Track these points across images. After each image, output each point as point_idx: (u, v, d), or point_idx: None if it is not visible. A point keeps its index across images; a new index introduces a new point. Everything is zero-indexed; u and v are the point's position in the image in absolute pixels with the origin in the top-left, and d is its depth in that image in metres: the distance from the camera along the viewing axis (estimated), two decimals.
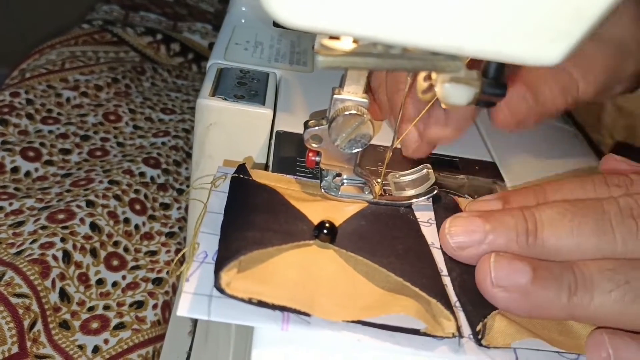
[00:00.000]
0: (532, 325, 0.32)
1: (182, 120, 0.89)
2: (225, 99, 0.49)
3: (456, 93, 0.29)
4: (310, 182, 0.40)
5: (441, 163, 0.46)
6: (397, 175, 0.41)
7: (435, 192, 0.39)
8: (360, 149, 0.37)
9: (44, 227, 0.64)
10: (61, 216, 0.66)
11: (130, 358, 0.57)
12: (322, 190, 0.39)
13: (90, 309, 0.60)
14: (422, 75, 0.31)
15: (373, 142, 0.42)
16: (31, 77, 0.89)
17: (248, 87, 0.51)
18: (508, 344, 0.31)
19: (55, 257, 0.61)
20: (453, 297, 0.33)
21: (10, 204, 0.69)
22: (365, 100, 0.36)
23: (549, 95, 0.41)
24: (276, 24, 0.40)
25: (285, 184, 0.39)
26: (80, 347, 0.56)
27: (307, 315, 0.29)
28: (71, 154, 0.79)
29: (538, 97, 0.41)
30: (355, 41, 0.28)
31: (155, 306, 0.61)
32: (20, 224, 0.65)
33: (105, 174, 0.74)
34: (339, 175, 0.39)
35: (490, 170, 0.47)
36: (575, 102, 0.42)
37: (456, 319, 0.31)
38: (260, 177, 0.39)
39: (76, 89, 0.89)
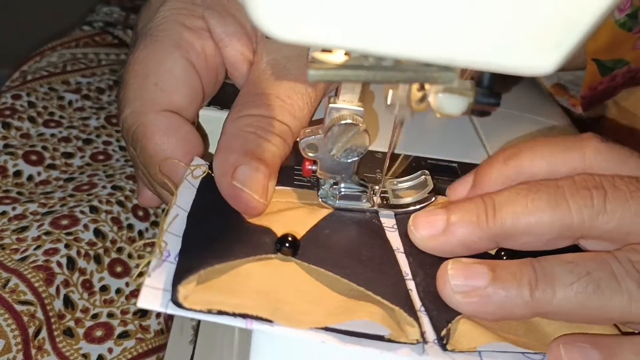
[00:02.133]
0: (498, 327, 0.32)
1: None
2: (221, 109, 0.49)
3: (450, 103, 0.28)
4: (281, 189, 0.40)
5: (439, 168, 0.46)
6: (394, 182, 0.41)
7: (434, 199, 0.39)
8: (356, 158, 0.37)
9: (48, 233, 0.65)
10: (65, 222, 0.66)
11: None
12: (320, 199, 0.39)
13: (94, 316, 0.60)
14: (416, 85, 0.30)
15: (371, 148, 0.42)
16: (33, 80, 0.89)
17: None
18: (473, 347, 0.31)
19: (59, 264, 0.61)
20: (418, 302, 0.33)
21: (14, 209, 0.69)
22: (361, 109, 0.36)
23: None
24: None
25: None
26: (85, 355, 0.56)
27: (270, 322, 0.29)
28: (74, 157, 0.79)
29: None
30: (347, 53, 0.28)
31: (158, 315, 0.62)
32: (24, 229, 0.65)
33: (108, 179, 0.74)
34: (336, 184, 0.39)
35: None
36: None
37: (420, 325, 0.31)
38: None
39: (78, 92, 0.89)
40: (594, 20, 0.24)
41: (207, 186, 0.38)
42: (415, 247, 0.36)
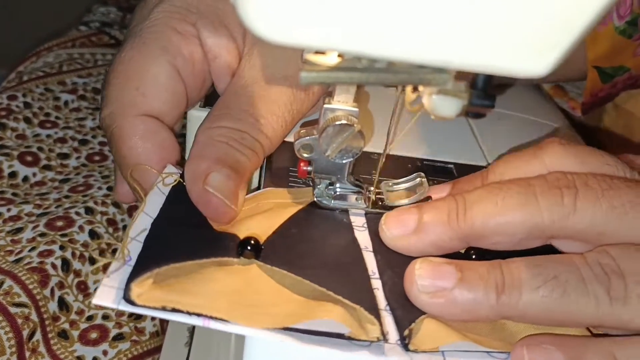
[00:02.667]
0: (463, 327, 0.32)
1: (182, 125, 0.88)
2: None
3: (444, 105, 0.28)
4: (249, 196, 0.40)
5: (436, 169, 0.45)
6: (390, 184, 0.40)
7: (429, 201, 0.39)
8: (351, 159, 0.36)
9: (42, 234, 0.64)
10: (60, 223, 0.66)
11: None
12: (315, 199, 0.39)
13: (89, 318, 0.59)
14: (409, 86, 0.30)
15: (366, 149, 0.42)
16: (29, 80, 0.88)
17: None
18: (436, 347, 0.30)
19: (54, 266, 0.61)
20: (383, 301, 0.33)
21: (9, 210, 0.68)
22: (356, 110, 0.36)
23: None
24: None
25: None
26: (79, 358, 0.55)
27: (226, 322, 0.29)
28: (69, 158, 0.79)
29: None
30: (340, 55, 0.28)
31: (154, 317, 0.61)
32: (19, 230, 0.65)
33: (103, 180, 0.74)
34: (331, 184, 0.39)
35: None
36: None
37: (381, 324, 0.30)
38: None
39: (74, 92, 0.88)
40: (589, 21, 0.24)
41: (177, 194, 0.38)
42: (384, 245, 0.36)
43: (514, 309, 0.30)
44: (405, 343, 0.30)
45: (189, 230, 0.35)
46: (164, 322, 0.62)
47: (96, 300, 0.30)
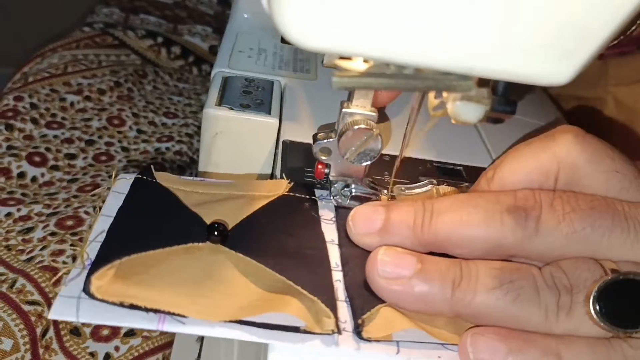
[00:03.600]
0: (418, 317, 0.32)
1: (185, 125, 0.89)
2: (232, 109, 0.49)
3: (467, 111, 0.29)
4: (220, 183, 0.41)
5: (445, 171, 0.46)
6: (402, 189, 0.41)
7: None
8: (369, 162, 0.38)
9: (53, 234, 0.65)
10: (70, 222, 0.67)
11: None
12: (332, 198, 0.40)
13: None
14: (432, 92, 0.31)
15: None
16: (34, 81, 0.89)
17: (253, 96, 0.52)
18: (389, 335, 0.31)
19: (65, 264, 0.62)
20: (343, 293, 0.34)
21: (19, 210, 0.69)
22: (374, 114, 0.37)
23: None
24: (284, 41, 0.40)
25: (190, 187, 0.39)
26: (92, 354, 0.56)
27: (183, 316, 0.30)
28: (76, 158, 0.79)
29: None
30: (366, 61, 0.29)
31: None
32: (30, 230, 0.66)
33: (111, 180, 0.75)
34: (347, 186, 0.40)
35: None
36: None
37: (337, 316, 0.31)
38: (165, 180, 0.39)
39: (79, 93, 0.89)
40: (611, 29, 0.25)
41: (137, 189, 0.38)
42: (350, 248, 0.37)
43: (467, 307, 0.31)
44: (358, 331, 0.31)
45: (152, 220, 0.35)
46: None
47: (53, 314, 0.29)
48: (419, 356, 0.31)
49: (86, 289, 0.29)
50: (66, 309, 0.29)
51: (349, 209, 0.39)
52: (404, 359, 0.31)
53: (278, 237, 0.36)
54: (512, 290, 0.31)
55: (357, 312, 0.32)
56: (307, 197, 0.40)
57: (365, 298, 0.33)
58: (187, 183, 0.40)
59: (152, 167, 0.40)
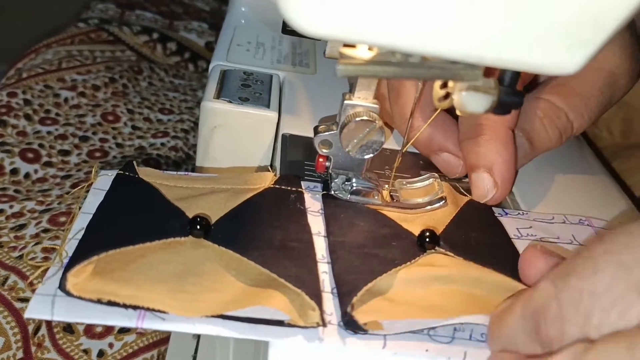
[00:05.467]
0: (405, 302, 0.31)
1: (181, 121, 0.89)
2: (230, 102, 0.49)
3: (473, 101, 0.29)
4: (205, 176, 0.40)
5: None
6: (404, 183, 0.41)
7: (442, 202, 0.39)
8: (371, 155, 0.37)
9: (46, 230, 0.64)
10: (63, 219, 0.66)
11: None
12: (332, 192, 0.39)
13: None
14: (438, 83, 0.31)
15: None
16: (28, 77, 0.88)
17: (252, 89, 0.51)
18: (377, 323, 0.30)
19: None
20: (329, 284, 0.33)
21: (11, 207, 0.68)
22: (376, 106, 0.36)
23: (546, 140, 0.42)
24: (286, 31, 0.39)
25: (173, 181, 0.39)
26: (85, 351, 0.56)
27: (163, 312, 0.29)
28: (70, 155, 0.79)
29: (534, 143, 0.42)
30: (371, 49, 0.28)
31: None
32: (22, 226, 0.65)
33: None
34: (348, 180, 0.39)
35: None
36: (569, 139, 0.43)
37: (321, 309, 0.30)
38: (148, 175, 0.39)
39: (74, 89, 0.88)
40: (621, 18, 0.24)
41: (119, 184, 0.37)
42: (337, 229, 0.36)
43: None
44: (347, 319, 0.30)
45: (132, 215, 0.35)
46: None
47: (28, 313, 0.28)
48: (405, 350, 0.30)
49: (62, 286, 0.29)
50: (42, 307, 0.28)
51: (337, 198, 0.38)
52: (391, 353, 0.29)
53: (262, 229, 0.35)
54: None
55: (345, 299, 0.31)
56: (294, 189, 0.39)
57: (352, 284, 0.32)
58: (170, 177, 0.39)
59: (134, 162, 0.39)
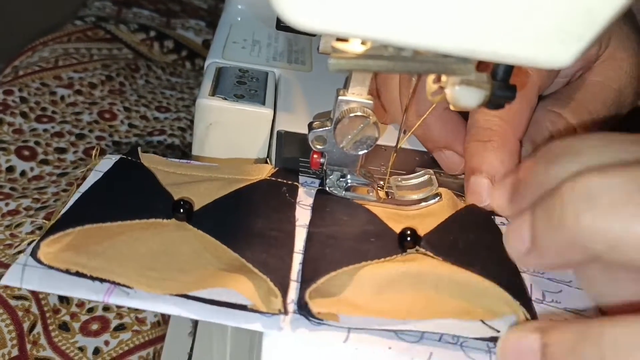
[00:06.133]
0: (366, 300, 0.31)
1: (178, 119, 0.88)
2: (226, 99, 0.48)
3: (466, 96, 0.28)
4: (204, 165, 0.40)
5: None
6: (399, 179, 0.41)
7: (437, 199, 0.39)
8: (365, 151, 0.37)
9: (41, 228, 0.64)
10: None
11: (131, 359, 0.56)
12: (327, 188, 0.39)
13: (90, 310, 0.59)
14: (431, 77, 0.31)
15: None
16: (24, 75, 0.88)
17: (247, 87, 0.51)
18: (335, 315, 0.30)
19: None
20: (297, 272, 0.32)
21: (7, 204, 0.68)
22: (371, 102, 0.36)
23: None
24: (280, 27, 0.39)
25: (172, 168, 0.39)
26: (81, 349, 0.55)
27: (128, 287, 0.29)
28: (67, 153, 0.78)
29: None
30: (364, 43, 0.28)
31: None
32: (18, 224, 0.65)
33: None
34: (343, 176, 0.39)
35: None
36: None
37: (284, 297, 0.30)
38: (149, 161, 0.39)
39: (70, 87, 0.88)
40: (613, 11, 0.24)
41: (118, 166, 0.38)
42: (318, 220, 0.36)
43: None
44: (301, 303, 0.29)
45: (120, 195, 0.35)
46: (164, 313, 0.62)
47: (4, 280, 0.28)
48: (368, 345, 0.29)
49: (33, 253, 0.29)
50: (13, 276, 0.29)
51: (329, 194, 0.38)
52: (352, 347, 0.29)
53: (246, 218, 0.35)
54: None
55: (305, 285, 0.31)
56: (288, 182, 0.39)
57: (316, 271, 0.31)
58: (170, 164, 0.39)
59: (138, 147, 0.39)
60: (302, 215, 0.37)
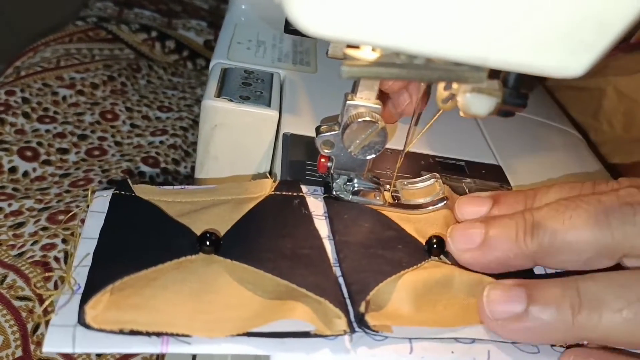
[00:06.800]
0: (426, 307, 0.32)
1: (180, 119, 0.88)
2: (231, 100, 0.49)
3: (478, 103, 0.29)
4: (202, 189, 0.39)
5: (448, 167, 0.46)
6: (405, 183, 0.41)
7: (445, 202, 0.39)
8: (373, 155, 0.37)
9: (44, 228, 0.64)
10: (62, 217, 0.65)
11: None
12: (333, 193, 0.39)
13: None
14: (442, 84, 0.31)
15: None
16: (26, 75, 0.88)
17: (253, 88, 0.51)
18: (388, 326, 0.30)
19: (57, 259, 0.61)
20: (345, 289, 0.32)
21: (10, 205, 0.68)
22: (379, 107, 0.36)
23: None
24: (289, 30, 0.39)
25: (171, 197, 0.38)
26: None
27: (187, 336, 0.28)
28: (69, 153, 0.78)
29: None
30: (374, 50, 0.28)
31: None
32: (21, 225, 0.65)
33: (104, 174, 0.74)
34: (350, 180, 0.39)
35: (496, 174, 0.47)
36: None
37: (348, 315, 0.30)
38: (144, 192, 0.38)
39: (72, 87, 0.88)
40: (626, 22, 0.24)
41: (117, 206, 0.36)
42: (342, 227, 0.36)
43: (592, 332, 0.29)
44: (360, 318, 0.30)
45: (138, 237, 0.34)
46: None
47: (47, 347, 0.27)
48: (432, 353, 0.30)
49: (81, 320, 0.28)
50: (61, 339, 0.28)
51: (338, 200, 0.38)
52: (418, 357, 0.30)
53: (272, 239, 0.35)
54: None
55: (357, 297, 0.31)
56: (295, 194, 0.39)
57: (363, 282, 0.32)
58: (168, 193, 0.38)
59: (128, 180, 0.38)
60: (320, 227, 0.37)
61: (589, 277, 0.30)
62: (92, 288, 0.30)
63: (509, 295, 0.31)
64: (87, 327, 0.28)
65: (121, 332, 0.28)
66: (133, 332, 0.28)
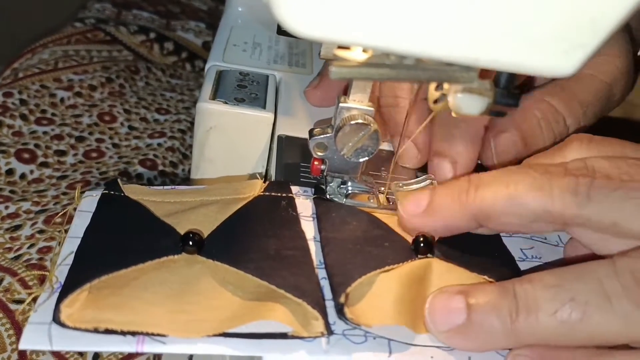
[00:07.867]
0: (402, 314, 0.31)
1: (178, 121, 0.88)
2: (226, 103, 0.48)
3: (469, 103, 0.28)
4: (192, 189, 0.39)
5: None
6: (400, 184, 0.41)
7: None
8: (366, 158, 0.37)
9: (41, 231, 0.64)
10: (59, 220, 0.65)
11: None
12: (328, 196, 0.39)
13: None
14: (433, 84, 0.30)
15: None
16: (24, 77, 0.88)
17: (248, 90, 0.51)
18: (369, 323, 0.30)
19: (53, 262, 0.61)
20: (329, 292, 0.32)
21: (6, 207, 0.68)
22: (372, 109, 0.36)
23: (540, 141, 0.42)
24: (281, 32, 0.39)
25: (160, 197, 0.38)
26: (81, 353, 0.55)
27: (163, 336, 0.28)
28: (66, 155, 0.78)
29: (528, 143, 0.42)
30: (365, 50, 0.28)
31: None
32: (17, 227, 0.65)
33: (101, 176, 0.73)
34: (344, 183, 0.39)
35: None
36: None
37: (325, 317, 0.30)
38: (134, 192, 0.38)
39: (70, 89, 0.88)
40: (616, 21, 0.24)
41: (104, 207, 0.36)
42: (328, 225, 0.36)
43: (532, 336, 0.29)
44: (340, 308, 0.30)
45: (121, 236, 0.34)
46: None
47: (24, 344, 0.27)
48: (411, 358, 0.30)
49: (56, 318, 0.28)
50: (37, 337, 0.27)
51: (328, 200, 0.38)
52: None
53: (257, 240, 0.35)
54: (577, 309, 0.28)
55: (339, 289, 0.31)
56: (284, 195, 0.39)
57: (346, 274, 0.32)
58: (157, 193, 0.38)
59: (118, 179, 0.38)
60: (307, 228, 0.37)
61: (526, 279, 0.30)
62: (70, 286, 0.30)
63: (449, 308, 0.31)
64: (62, 325, 0.28)
65: (96, 330, 0.28)
66: (108, 331, 0.28)
